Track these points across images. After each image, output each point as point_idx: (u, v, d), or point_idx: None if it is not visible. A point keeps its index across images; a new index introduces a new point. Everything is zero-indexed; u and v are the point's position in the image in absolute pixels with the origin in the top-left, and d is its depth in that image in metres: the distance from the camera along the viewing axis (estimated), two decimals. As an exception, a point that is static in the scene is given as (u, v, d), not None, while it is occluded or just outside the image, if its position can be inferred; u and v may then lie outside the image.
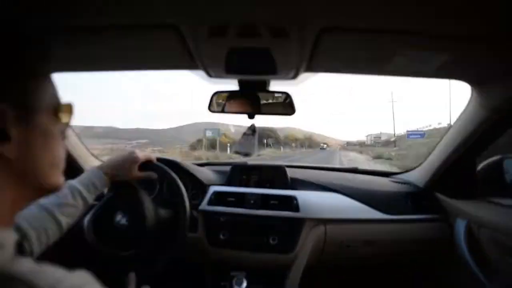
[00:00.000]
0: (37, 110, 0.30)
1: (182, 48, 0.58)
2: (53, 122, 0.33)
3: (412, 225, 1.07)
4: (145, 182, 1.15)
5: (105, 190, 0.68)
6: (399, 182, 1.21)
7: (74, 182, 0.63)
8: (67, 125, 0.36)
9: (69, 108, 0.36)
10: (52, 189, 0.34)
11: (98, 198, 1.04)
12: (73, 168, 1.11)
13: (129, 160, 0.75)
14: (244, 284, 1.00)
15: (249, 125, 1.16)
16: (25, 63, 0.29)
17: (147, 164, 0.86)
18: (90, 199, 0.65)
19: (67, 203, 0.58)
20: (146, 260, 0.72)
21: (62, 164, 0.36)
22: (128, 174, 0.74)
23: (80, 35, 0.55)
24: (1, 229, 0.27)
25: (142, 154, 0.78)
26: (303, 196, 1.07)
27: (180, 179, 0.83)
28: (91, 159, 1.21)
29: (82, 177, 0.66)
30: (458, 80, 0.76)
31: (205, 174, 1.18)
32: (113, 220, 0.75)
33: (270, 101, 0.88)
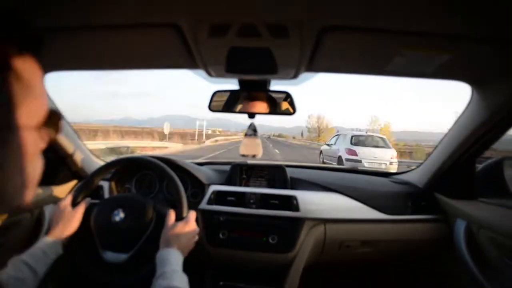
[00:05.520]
0: (16, 128, 0.26)
1: (183, 47, 0.58)
2: (34, 139, 0.29)
3: (412, 225, 1.07)
4: (145, 181, 1.16)
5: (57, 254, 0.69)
6: (398, 182, 1.21)
7: (22, 255, 0.63)
8: (50, 139, 0.32)
9: (56, 121, 0.32)
10: (16, 208, 0.32)
11: (99, 198, 1.05)
12: (75, 171, 1.12)
13: (59, 216, 0.75)
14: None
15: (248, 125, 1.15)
16: None
17: (146, 164, 0.86)
18: (40, 267, 0.63)
19: (13, 276, 0.57)
20: (145, 260, 0.72)
21: (35, 184, 0.32)
22: (69, 226, 0.74)
23: (81, 34, 0.55)
24: None
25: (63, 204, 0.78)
26: (303, 195, 1.07)
27: (179, 178, 0.83)
28: (92, 159, 1.21)
29: (32, 247, 0.66)
30: (458, 80, 0.76)
31: (205, 173, 1.18)
32: (112, 219, 0.75)
33: (271, 100, 0.87)
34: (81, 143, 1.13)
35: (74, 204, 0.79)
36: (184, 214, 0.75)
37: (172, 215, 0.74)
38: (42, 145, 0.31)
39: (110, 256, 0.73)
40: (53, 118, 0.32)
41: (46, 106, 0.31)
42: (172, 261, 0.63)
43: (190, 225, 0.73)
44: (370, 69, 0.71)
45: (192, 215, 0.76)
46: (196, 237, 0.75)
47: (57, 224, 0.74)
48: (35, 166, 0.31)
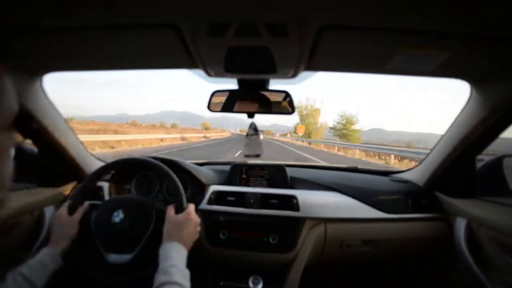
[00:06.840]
0: None
1: (181, 47, 0.58)
2: (2, 140, 0.30)
3: (412, 224, 1.07)
4: (144, 182, 1.16)
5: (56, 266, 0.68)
6: (399, 181, 1.21)
7: (20, 267, 0.61)
8: (20, 138, 0.33)
9: (26, 123, 0.33)
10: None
11: (99, 199, 1.05)
12: (75, 172, 1.11)
13: (57, 224, 0.74)
14: (261, 285, 1.01)
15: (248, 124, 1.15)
16: None
17: (145, 165, 0.86)
18: (38, 280, 0.62)
19: None
20: (148, 259, 0.72)
21: (8, 182, 0.32)
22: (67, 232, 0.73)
23: (79, 35, 0.55)
24: None
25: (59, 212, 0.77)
26: (303, 195, 1.07)
27: (179, 178, 0.83)
28: (92, 160, 1.21)
29: (31, 259, 0.65)
30: (457, 78, 0.76)
31: (205, 173, 1.18)
32: (112, 220, 0.75)
33: (270, 100, 0.87)
34: (81, 143, 1.13)
35: (72, 209, 0.78)
36: (184, 205, 0.75)
37: (171, 209, 0.74)
38: (11, 146, 0.32)
39: (113, 257, 0.73)
40: (23, 120, 0.32)
41: (14, 107, 0.31)
42: (172, 255, 0.62)
43: (190, 215, 0.72)
44: (369, 67, 0.71)
45: (192, 207, 0.76)
46: (199, 228, 0.74)
47: (56, 233, 0.73)
48: (5, 166, 0.31)
